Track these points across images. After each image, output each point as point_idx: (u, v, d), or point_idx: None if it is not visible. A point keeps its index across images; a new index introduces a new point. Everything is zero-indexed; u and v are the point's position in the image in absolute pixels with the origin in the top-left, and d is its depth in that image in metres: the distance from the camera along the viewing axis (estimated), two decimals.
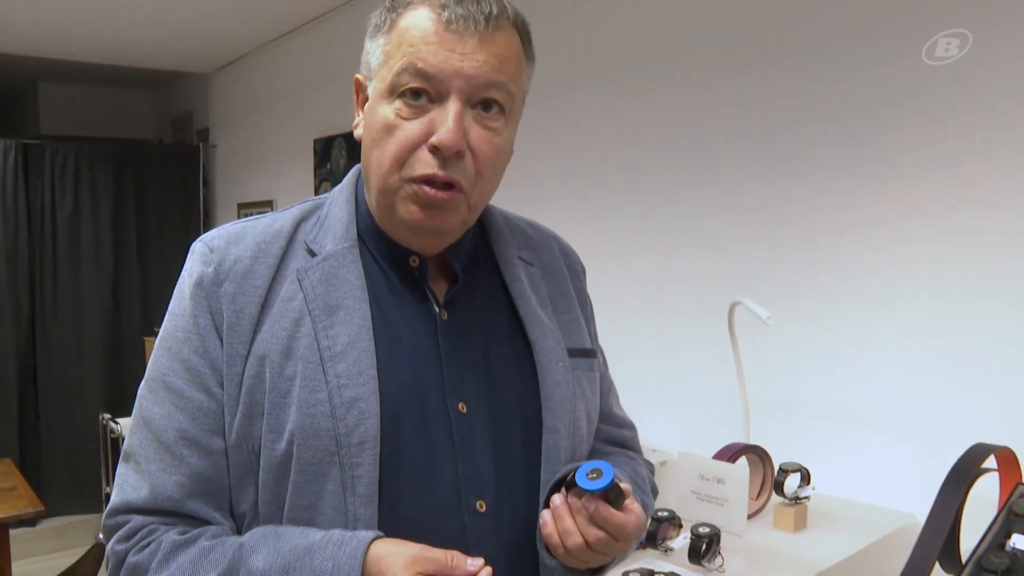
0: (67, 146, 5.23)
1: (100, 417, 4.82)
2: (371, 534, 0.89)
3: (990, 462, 1.54)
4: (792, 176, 2.20)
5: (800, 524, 1.83)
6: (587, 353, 1.14)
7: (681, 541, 1.61)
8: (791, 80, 2.20)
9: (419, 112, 0.94)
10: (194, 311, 0.97)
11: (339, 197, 1.06)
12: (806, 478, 1.85)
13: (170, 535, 0.93)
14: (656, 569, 1.58)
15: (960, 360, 1.87)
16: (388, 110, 0.95)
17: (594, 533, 0.92)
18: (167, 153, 5.91)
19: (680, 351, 2.53)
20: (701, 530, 1.56)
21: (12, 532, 4.66)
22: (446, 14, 0.92)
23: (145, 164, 5.51)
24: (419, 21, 0.93)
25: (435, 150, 0.93)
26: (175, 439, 0.95)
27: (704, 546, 1.56)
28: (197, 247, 1.01)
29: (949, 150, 1.88)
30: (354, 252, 1.01)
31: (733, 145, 2.35)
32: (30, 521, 5.02)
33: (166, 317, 1.00)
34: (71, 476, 5.15)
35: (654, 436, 2.46)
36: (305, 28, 4.47)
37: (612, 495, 0.91)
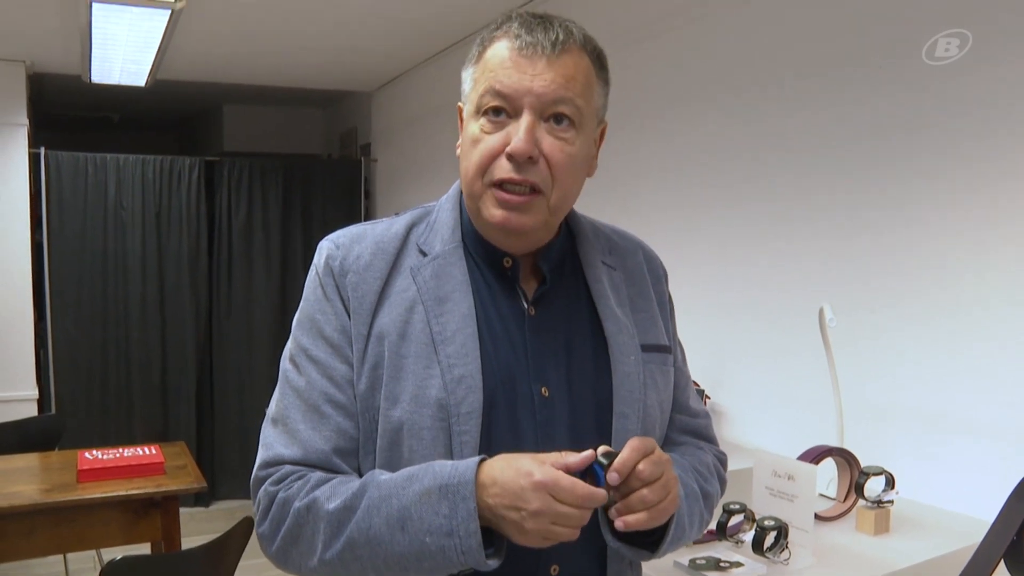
0: (242, 161, 5.71)
1: (266, 411, 5.25)
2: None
3: None
4: (890, 181, 2.20)
5: (881, 528, 1.83)
6: (662, 349, 1.25)
7: (752, 534, 1.68)
8: (885, 86, 2.21)
9: (499, 127, 1.09)
10: (329, 296, 1.14)
11: (446, 204, 1.22)
12: (890, 482, 1.86)
13: (316, 474, 1.09)
14: (723, 558, 1.65)
15: None
16: (475, 127, 1.11)
17: (638, 495, 1.00)
18: (331, 167, 6.34)
19: (784, 354, 2.56)
20: (766, 523, 1.62)
21: (188, 511, 5.17)
22: (518, 43, 1.08)
23: (311, 177, 5.91)
24: (498, 51, 1.10)
25: (510, 157, 1.07)
26: (322, 401, 1.11)
27: (769, 538, 1.62)
28: (325, 245, 1.19)
29: None
30: (459, 252, 1.16)
31: (831, 153, 2.38)
32: (204, 501, 5.54)
33: (301, 304, 1.19)
34: (241, 462, 5.58)
35: (756, 437, 2.51)
36: (456, 48, 4.69)
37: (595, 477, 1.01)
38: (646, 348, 1.22)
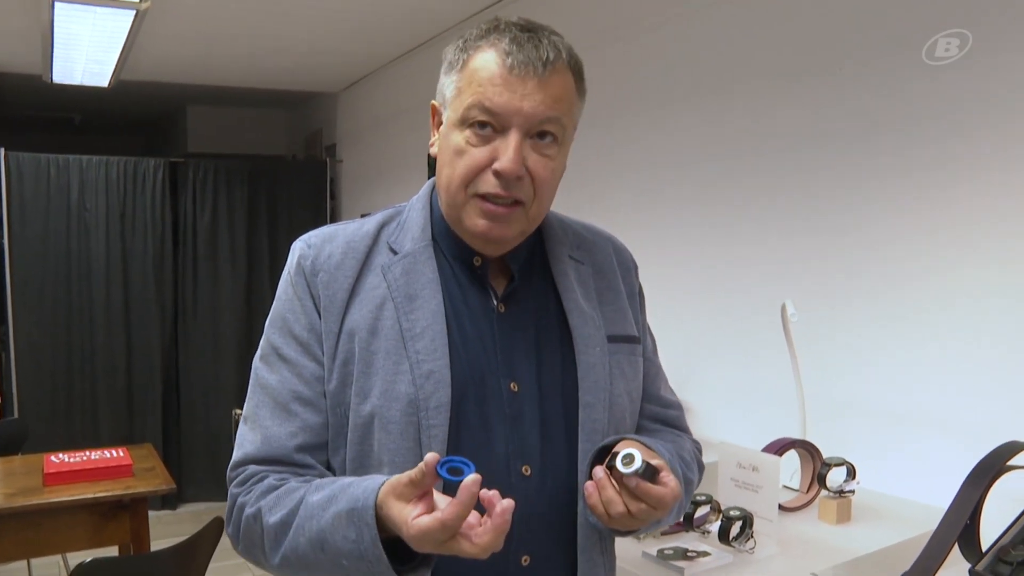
0: (207, 163, 5.68)
1: (232, 413, 5.23)
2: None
3: (1021, 459, 1.56)
4: (855, 180, 2.26)
5: (843, 517, 1.89)
6: (631, 339, 1.28)
7: (718, 524, 1.72)
8: (843, 91, 2.28)
9: (485, 140, 1.11)
10: (299, 296, 1.17)
11: (416, 204, 1.24)
12: (851, 473, 1.91)
13: (270, 479, 1.11)
14: (690, 548, 1.69)
15: (1016, 362, 1.89)
16: (459, 137, 1.12)
17: (636, 505, 1.06)
18: (297, 168, 6.32)
19: (749, 350, 2.62)
20: (732, 513, 1.66)
21: (155, 514, 5.13)
22: (510, 60, 1.08)
23: (277, 178, 5.90)
24: (487, 63, 1.10)
25: (498, 174, 1.10)
26: (290, 398, 1.14)
27: (735, 528, 1.66)
28: (298, 245, 1.21)
29: (1002, 158, 1.92)
30: (429, 251, 1.19)
31: (797, 154, 2.44)
32: (171, 504, 5.50)
33: (274, 303, 1.21)
34: (208, 465, 5.55)
35: (722, 432, 2.55)
36: (420, 49, 4.70)
37: (647, 475, 1.04)
38: (613, 339, 1.24)
